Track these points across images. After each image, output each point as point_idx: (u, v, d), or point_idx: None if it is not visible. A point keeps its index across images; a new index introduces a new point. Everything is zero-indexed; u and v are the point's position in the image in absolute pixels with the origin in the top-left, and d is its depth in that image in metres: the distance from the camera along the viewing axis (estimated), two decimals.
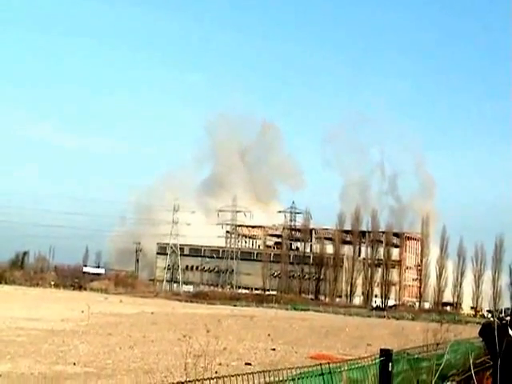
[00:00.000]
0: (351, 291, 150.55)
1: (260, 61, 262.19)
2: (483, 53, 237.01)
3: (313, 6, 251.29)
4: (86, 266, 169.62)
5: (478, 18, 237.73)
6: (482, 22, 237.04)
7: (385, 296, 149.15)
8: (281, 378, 6.56)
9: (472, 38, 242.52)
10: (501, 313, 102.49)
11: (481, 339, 10.57)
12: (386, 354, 8.86)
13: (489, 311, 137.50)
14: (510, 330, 6.75)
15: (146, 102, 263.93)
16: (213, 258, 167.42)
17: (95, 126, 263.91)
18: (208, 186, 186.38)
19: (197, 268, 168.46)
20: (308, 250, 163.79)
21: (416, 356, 10.83)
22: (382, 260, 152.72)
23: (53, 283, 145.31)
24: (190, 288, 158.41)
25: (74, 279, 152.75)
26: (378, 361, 8.85)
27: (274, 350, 35.76)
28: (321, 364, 7.57)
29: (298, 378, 6.90)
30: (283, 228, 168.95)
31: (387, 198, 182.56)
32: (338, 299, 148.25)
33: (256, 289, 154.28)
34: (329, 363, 7.71)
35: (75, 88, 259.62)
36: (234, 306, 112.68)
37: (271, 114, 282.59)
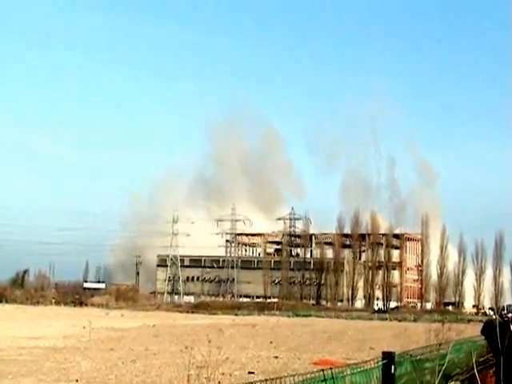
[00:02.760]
0: (353, 295, 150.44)
1: (260, 66, 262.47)
2: (482, 51, 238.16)
3: (311, 13, 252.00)
4: (86, 281, 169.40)
5: (476, 17, 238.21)
6: (480, 20, 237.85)
7: (386, 298, 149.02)
8: None
9: (468, 35, 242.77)
10: (503, 310, 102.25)
11: (483, 337, 10.48)
12: (388, 356, 8.77)
13: (491, 309, 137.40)
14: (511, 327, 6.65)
15: (142, 112, 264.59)
16: (213, 267, 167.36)
17: (93, 139, 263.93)
18: (207, 196, 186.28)
19: (197, 279, 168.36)
20: (308, 255, 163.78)
21: (419, 357, 10.74)
22: (382, 262, 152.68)
23: (53, 300, 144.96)
24: (191, 299, 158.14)
25: (75, 295, 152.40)
26: (380, 364, 8.76)
27: (276, 357, 35.60)
28: (323, 370, 7.48)
29: None
30: (283, 235, 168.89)
31: (387, 196, 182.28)
32: (339, 303, 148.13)
33: (257, 297, 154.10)
34: (331, 368, 7.63)
35: (73, 100, 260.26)
36: (236, 315, 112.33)
37: (272, 119, 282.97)
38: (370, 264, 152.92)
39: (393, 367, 8.58)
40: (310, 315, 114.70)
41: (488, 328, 6.54)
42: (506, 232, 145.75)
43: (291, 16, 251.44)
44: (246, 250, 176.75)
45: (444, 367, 10.52)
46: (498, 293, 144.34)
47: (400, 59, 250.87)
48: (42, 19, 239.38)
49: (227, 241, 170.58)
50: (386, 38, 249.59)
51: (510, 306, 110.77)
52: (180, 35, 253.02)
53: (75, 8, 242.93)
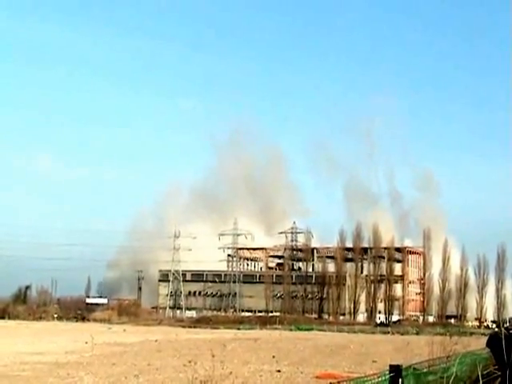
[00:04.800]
0: (355, 308, 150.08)
1: (264, 83, 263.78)
2: (479, 64, 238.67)
3: (311, 32, 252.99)
4: (88, 296, 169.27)
5: (477, 26, 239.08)
6: (478, 33, 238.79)
7: (388, 311, 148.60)
8: None
9: (465, 48, 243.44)
10: (505, 322, 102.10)
11: (487, 350, 10.49)
12: (395, 369, 8.77)
13: (493, 321, 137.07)
14: None
15: (147, 129, 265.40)
16: (215, 282, 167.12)
17: (93, 156, 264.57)
18: (210, 211, 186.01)
19: (199, 293, 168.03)
20: (310, 269, 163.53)
21: (424, 370, 10.74)
22: (384, 276, 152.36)
23: (56, 316, 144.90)
24: (193, 313, 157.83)
25: (77, 311, 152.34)
26: (387, 377, 8.76)
27: (279, 371, 35.51)
28: (331, 383, 7.47)
29: None
30: (284, 249, 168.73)
31: (389, 209, 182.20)
32: (341, 317, 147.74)
33: (259, 311, 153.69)
34: (339, 382, 7.62)
35: (75, 118, 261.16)
36: (238, 329, 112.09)
37: (274, 136, 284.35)
38: (372, 277, 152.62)
39: (400, 380, 8.59)
40: (312, 329, 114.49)
41: (493, 341, 6.55)
42: (509, 245, 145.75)
43: (292, 35, 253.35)
44: (247, 265, 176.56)
45: (451, 380, 10.54)
46: (500, 306, 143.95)
47: (399, 74, 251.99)
48: (40, 37, 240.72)
49: (229, 255, 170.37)
50: (383, 53, 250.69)
51: None
52: (185, 53, 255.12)
53: (78, 25, 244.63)
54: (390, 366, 8.67)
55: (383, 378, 8.50)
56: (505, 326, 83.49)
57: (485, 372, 11.91)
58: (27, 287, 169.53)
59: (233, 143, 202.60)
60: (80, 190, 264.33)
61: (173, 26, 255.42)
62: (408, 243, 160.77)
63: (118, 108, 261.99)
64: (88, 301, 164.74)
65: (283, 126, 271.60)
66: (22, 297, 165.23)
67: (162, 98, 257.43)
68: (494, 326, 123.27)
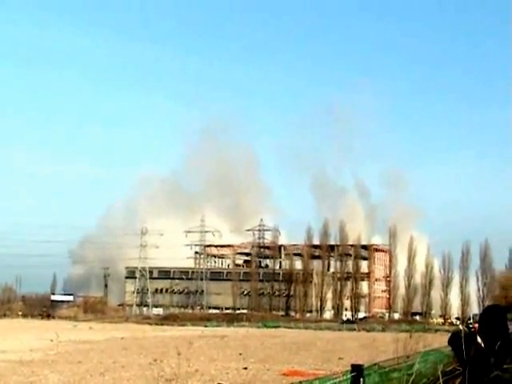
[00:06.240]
0: (321, 306, 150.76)
1: (236, 80, 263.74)
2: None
3: (281, 27, 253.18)
4: (53, 293, 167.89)
5: (465, 29, 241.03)
6: (457, 30, 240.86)
7: (355, 309, 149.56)
8: None
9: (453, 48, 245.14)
10: (469, 319, 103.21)
11: (450, 348, 10.60)
12: (357, 369, 8.84)
13: (457, 318, 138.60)
14: (478, 337, 6.78)
15: (117, 125, 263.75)
16: (182, 279, 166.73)
17: (61, 151, 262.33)
18: (178, 208, 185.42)
19: (166, 290, 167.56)
20: (277, 266, 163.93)
21: (387, 369, 10.84)
22: (351, 273, 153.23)
23: (20, 313, 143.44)
24: (160, 311, 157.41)
25: (42, 308, 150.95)
26: (349, 376, 8.82)
27: (245, 368, 35.54)
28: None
29: None
30: (252, 246, 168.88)
31: (357, 206, 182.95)
32: (308, 314, 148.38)
33: (226, 308, 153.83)
34: (301, 382, 7.65)
35: (39, 114, 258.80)
36: (205, 326, 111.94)
37: (245, 134, 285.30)
38: (338, 275, 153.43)
39: (361, 380, 8.66)
40: (279, 326, 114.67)
41: (455, 338, 6.65)
42: (473, 242, 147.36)
43: (263, 31, 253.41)
44: (215, 262, 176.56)
45: (412, 378, 10.65)
46: (464, 303, 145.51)
47: (368, 71, 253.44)
48: (19, 36, 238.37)
49: (196, 252, 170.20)
50: (354, 50, 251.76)
51: (476, 315, 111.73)
52: (158, 48, 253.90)
53: (57, 24, 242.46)
54: (352, 366, 8.75)
55: (345, 377, 8.57)
56: (468, 322, 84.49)
57: (448, 369, 12.06)
58: None
59: (204, 140, 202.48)
60: (46, 185, 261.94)
61: (145, 21, 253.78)
62: (377, 240, 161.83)
63: (88, 102, 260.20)
64: (53, 298, 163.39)
65: (254, 124, 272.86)
66: None
67: (135, 92, 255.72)
68: (458, 322, 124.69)
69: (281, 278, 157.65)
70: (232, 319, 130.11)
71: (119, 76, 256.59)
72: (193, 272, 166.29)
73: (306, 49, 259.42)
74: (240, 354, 45.57)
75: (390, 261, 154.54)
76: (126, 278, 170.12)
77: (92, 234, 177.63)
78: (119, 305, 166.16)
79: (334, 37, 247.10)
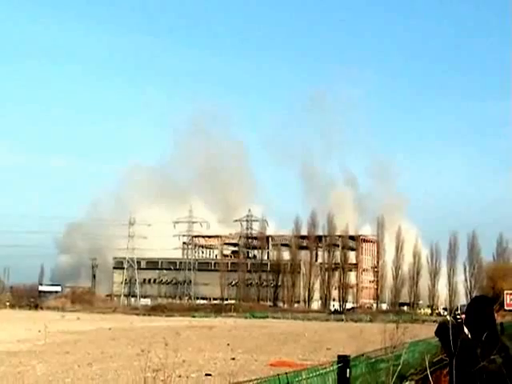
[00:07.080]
0: (309, 296, 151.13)
1: (225, 72, 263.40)
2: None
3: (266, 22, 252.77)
4: (41, 284, 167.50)
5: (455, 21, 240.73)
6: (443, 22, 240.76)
7: (343, 299, 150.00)
8: None
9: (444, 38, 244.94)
10: (456, 310, 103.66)
11: (437, 338, 10.63)
12: (343, 359, 8.83)
13: (445, 309, 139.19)
14: (464, 328, 6.78)
15: (106, 115, 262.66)
16: (170, 269, 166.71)
17: (51, 142, 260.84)
18: (165, 198, 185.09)
19: (154, 281, 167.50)
20: (265, 257, 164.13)
21: (374, 359, 10.85)
22: (339, 264, 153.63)
23: (8, 304, 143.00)
24: (148, 301, 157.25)
25: (30, 298, 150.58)
26: (335, 367, 8.83)
27: (233, 359, 35.64)
28: (278, 375, 7.49)
29: None
30: (240, 236, 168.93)
31: (346, 197, 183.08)
32: (296, 305, 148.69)
33: (214, 299, 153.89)
34: (286, 373, 7.64)
35: (28, 103, 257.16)
36: (193, 317, 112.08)
37: (234, 125, 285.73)
38: (326, 265, 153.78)
39: (348, 370, 8.66)
40: (266, 317, 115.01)
41: (442, 329, 6.65)
42: (461, 233, 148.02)
43: (250, 25, 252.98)
44: (202, 252, 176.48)
45: (399, 368, 10.66)
46: (452, 293, 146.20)
47: (358, 61, 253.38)
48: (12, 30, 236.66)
49: (184, 243, 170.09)
50: (344, 42, 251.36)
51: (463, 306, 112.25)
52: (148, 42, 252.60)
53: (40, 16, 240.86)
54: (339, 357, 8.75)
55: (332, 368, 8.57)
56: (456, 313, 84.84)
57: (435, 360, 12.07)
58: None
59: (193, 131, 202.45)
60: (35, 175, 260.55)
61: (135, 14, 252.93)
62: (367, 231, 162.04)
63: (76, 93, 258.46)
64: (41, 288, 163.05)
65: (243, 116, 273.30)
66: None
67: (125, 83, 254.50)
68: (446, 313, 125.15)
69: (269, 268, 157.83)
70: (220, 310, 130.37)
71: (108, 67, 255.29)
72: (181, 262, 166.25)
73: (292, 41, 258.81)
74: (228, 345, 45.67)
75: (378, 251, 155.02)
76: (114, 268, 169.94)
77: (80, 224, 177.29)
78: (107, 295, 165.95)
79: (320, 28, 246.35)
